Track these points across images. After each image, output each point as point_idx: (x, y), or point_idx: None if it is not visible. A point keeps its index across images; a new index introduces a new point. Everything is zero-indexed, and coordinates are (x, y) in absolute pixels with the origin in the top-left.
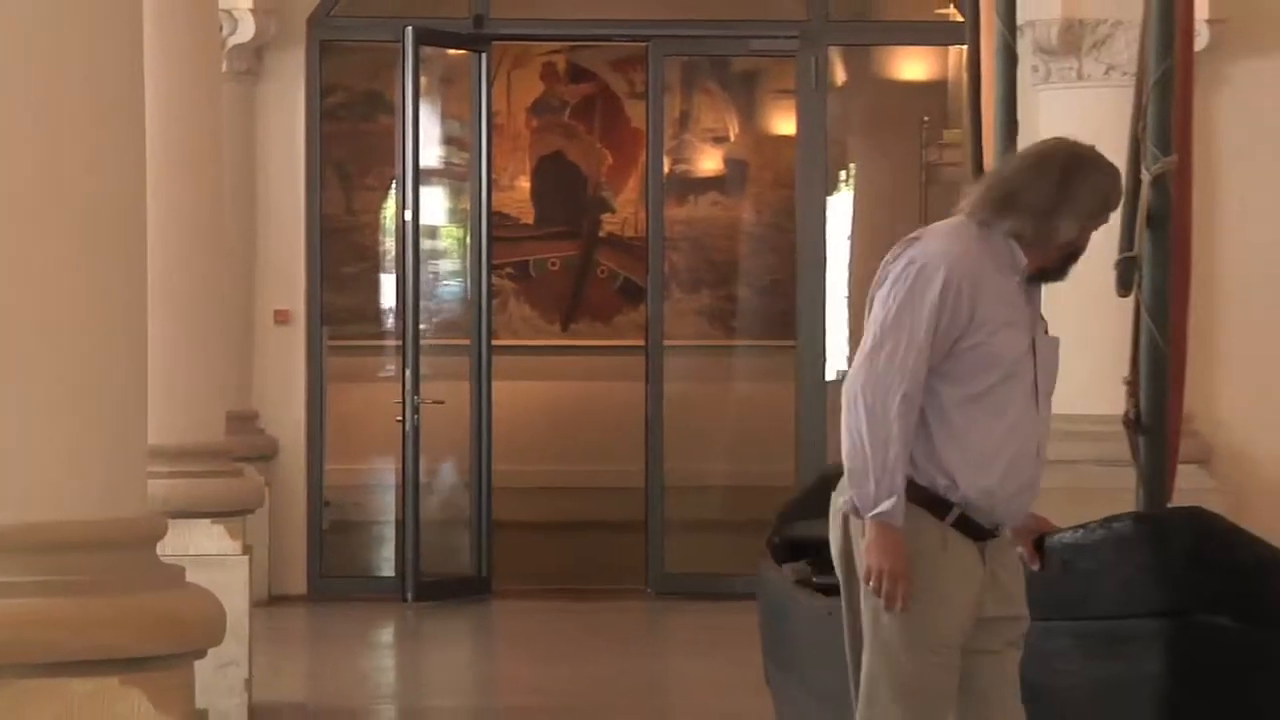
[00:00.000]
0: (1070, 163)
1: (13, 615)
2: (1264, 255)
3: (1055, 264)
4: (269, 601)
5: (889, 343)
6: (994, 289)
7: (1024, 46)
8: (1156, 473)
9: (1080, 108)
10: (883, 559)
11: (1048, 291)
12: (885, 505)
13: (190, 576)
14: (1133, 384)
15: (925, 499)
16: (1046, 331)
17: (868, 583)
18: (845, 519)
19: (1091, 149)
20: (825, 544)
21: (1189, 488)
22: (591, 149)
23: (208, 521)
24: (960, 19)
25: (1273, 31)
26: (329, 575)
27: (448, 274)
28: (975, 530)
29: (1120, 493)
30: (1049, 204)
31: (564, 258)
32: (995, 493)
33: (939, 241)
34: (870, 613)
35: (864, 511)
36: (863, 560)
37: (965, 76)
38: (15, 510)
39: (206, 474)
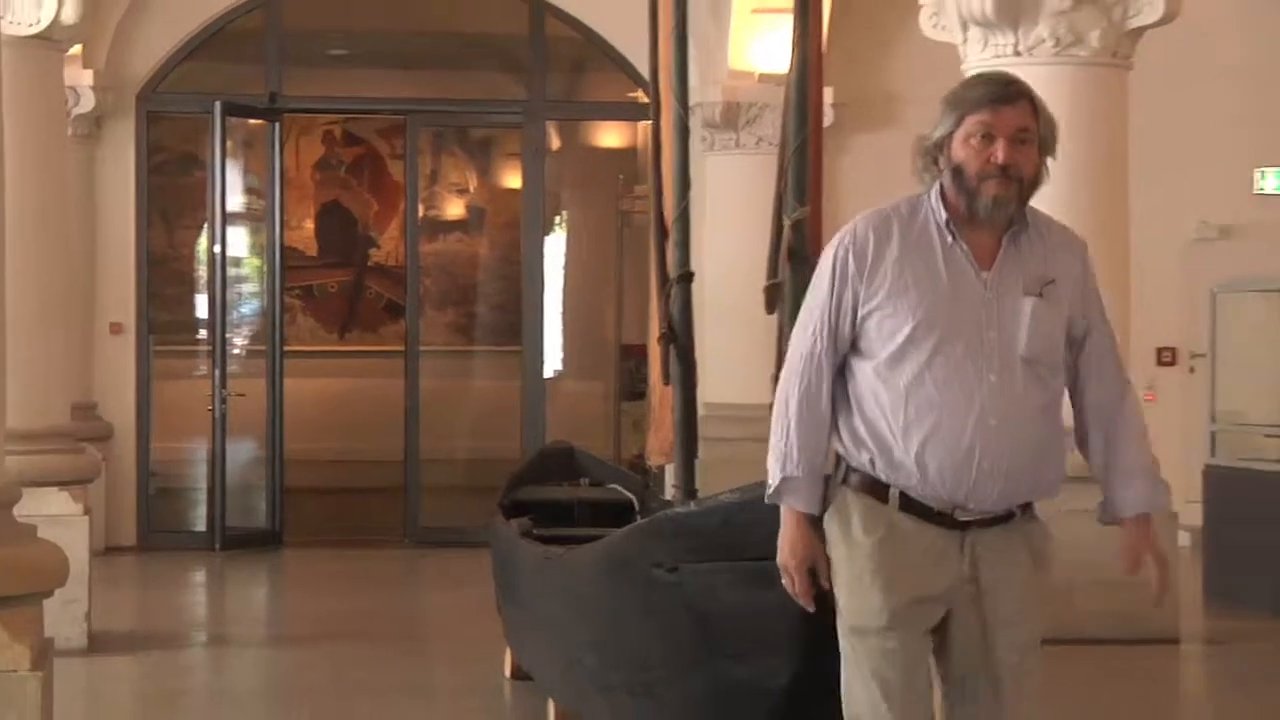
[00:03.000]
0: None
1: None
2: None
3: (975, 187)
4: (105, 552)
5: (796, 331)
6: (899, 250)
7: (695, 122)
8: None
9: (738, 170)
10: (781, 550)
11: None
12: (777, 485)
13: (41, 533)
14: (777, 381)
15: (865, 484)
16: (1040, 295)
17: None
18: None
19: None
20: (543, 504)
21: None
22: (362, 198)
23: (55, 489)
24: (646, 100)
25: (879, 114)
26: (154, 530)
27: (249, 294)
28: (930, 514)
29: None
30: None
31: (340, 282)
32: (913, 466)
33: (856, 217)
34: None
35: (765, 494)
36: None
37: (650, 145)
38: None
39: (54, 451)
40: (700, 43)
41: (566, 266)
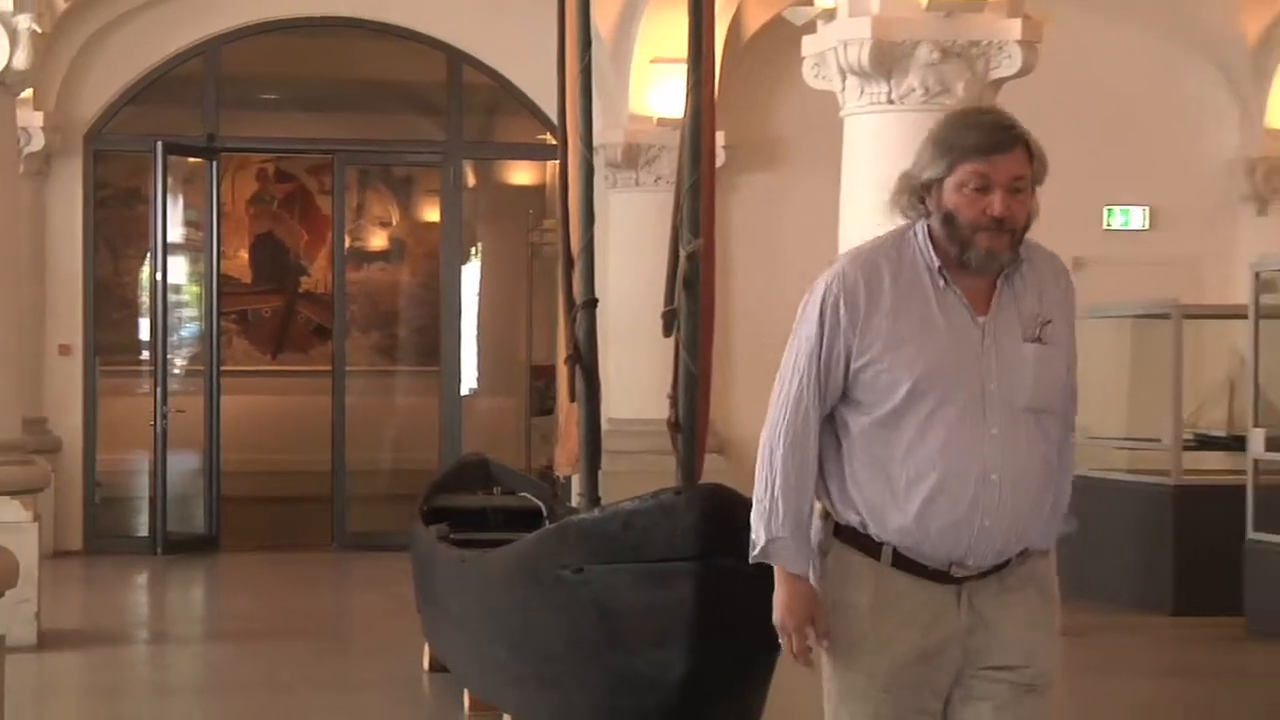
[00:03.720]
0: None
1: None
2: (760, 309)
3: (969, 238)
4: (54, 556)
5: (780, 379)
6: (892, 299)
7: (598, 162)
8: (689, 460)
9: (638, 206)
10: (776, 610)
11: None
12: (763, 546)
13: None
14: (674, 398)
15: (855, 538)
16: (1040, 339)
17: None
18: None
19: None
20: (459, 511)
21: (711, 470)
22: (293, 230)
23: (7, 497)
24: (554, 142)
25: (765, 156)
26: (99, 536)
27: (188, 318)
28: (924, 570)
29: (667, 474)
30: (919, 159)
31: (273, 307)
32: (910, 527)
33: (838, 262)
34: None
35: (750, 552)
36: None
37: (557, 182)
38: None
39: (6, 463)
40: (603, 89)
41: (481, 293)
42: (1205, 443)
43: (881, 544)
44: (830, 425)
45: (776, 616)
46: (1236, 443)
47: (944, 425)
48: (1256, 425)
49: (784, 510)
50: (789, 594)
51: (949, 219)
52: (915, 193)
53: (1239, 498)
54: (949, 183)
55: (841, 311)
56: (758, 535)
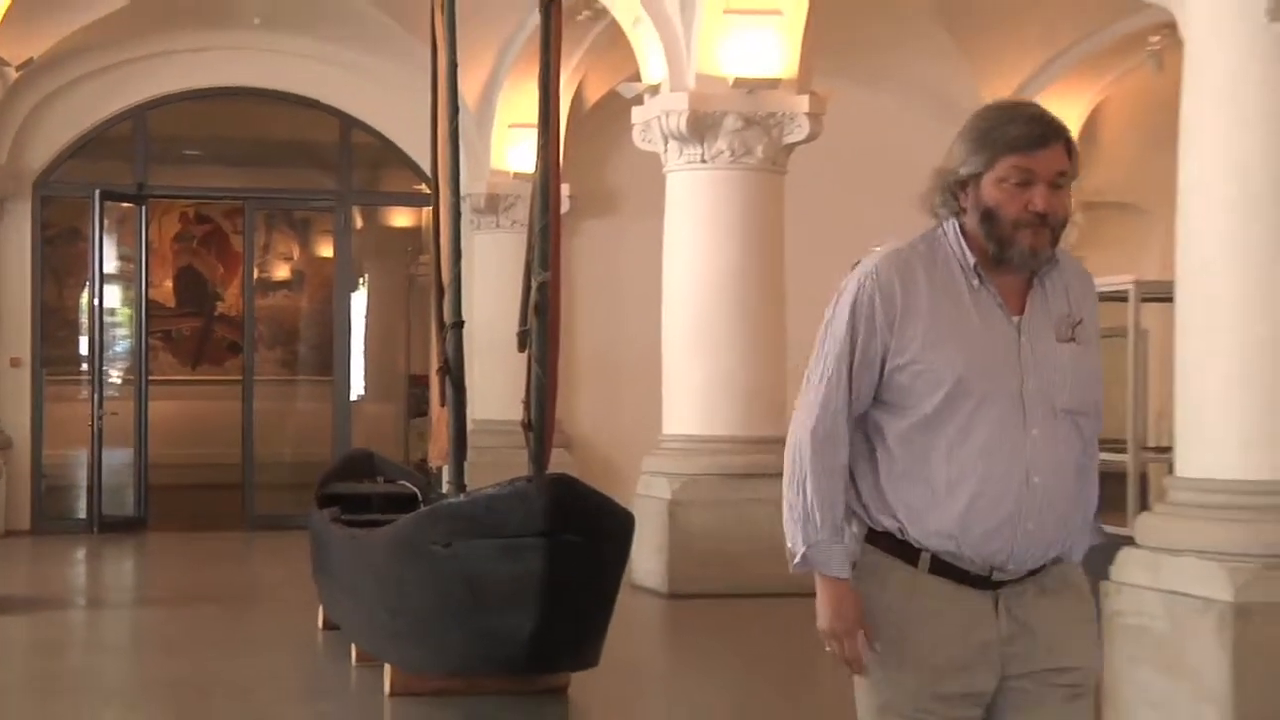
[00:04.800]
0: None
1: None
2: (599, 330)
3: (1010, 235)
4: (5, 535)
5: (809, 379)
6: (929, 298)
7: (465, 208)
8: (539, 454)
9: (498, 245)
10: (823, 618)
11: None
12: (803, 553)
13: None
14: (526, 403)
15: (891, 545)
16: (1073, 339)
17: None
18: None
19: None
20: (348, 497)
21: (557, 462)
22: (211, 263)
23: None
24: (428, 191)
25: (603, 205)
26: (45, 518)
27: (120, 336)
28: (964, 576)
29: (520, 466)
30: (954, 154)
31: (192, 327)
32: (954, 531)
33: (868, 260)
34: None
35: (790, 561)
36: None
37: (431, 225)
38: None
39: None
40: (469, 148)
41: (367, 316)
42: None
43: (919, 550)
44: (860, 429)
45: (824, 623)
46: None
47: (985, 426)
48: None
49: (820, 514)
50: (835, 598)
51: (989, 215)
52: (950, 189)
53: None
54: (989, 177)
55: (877, 310)
56: (795, 543)
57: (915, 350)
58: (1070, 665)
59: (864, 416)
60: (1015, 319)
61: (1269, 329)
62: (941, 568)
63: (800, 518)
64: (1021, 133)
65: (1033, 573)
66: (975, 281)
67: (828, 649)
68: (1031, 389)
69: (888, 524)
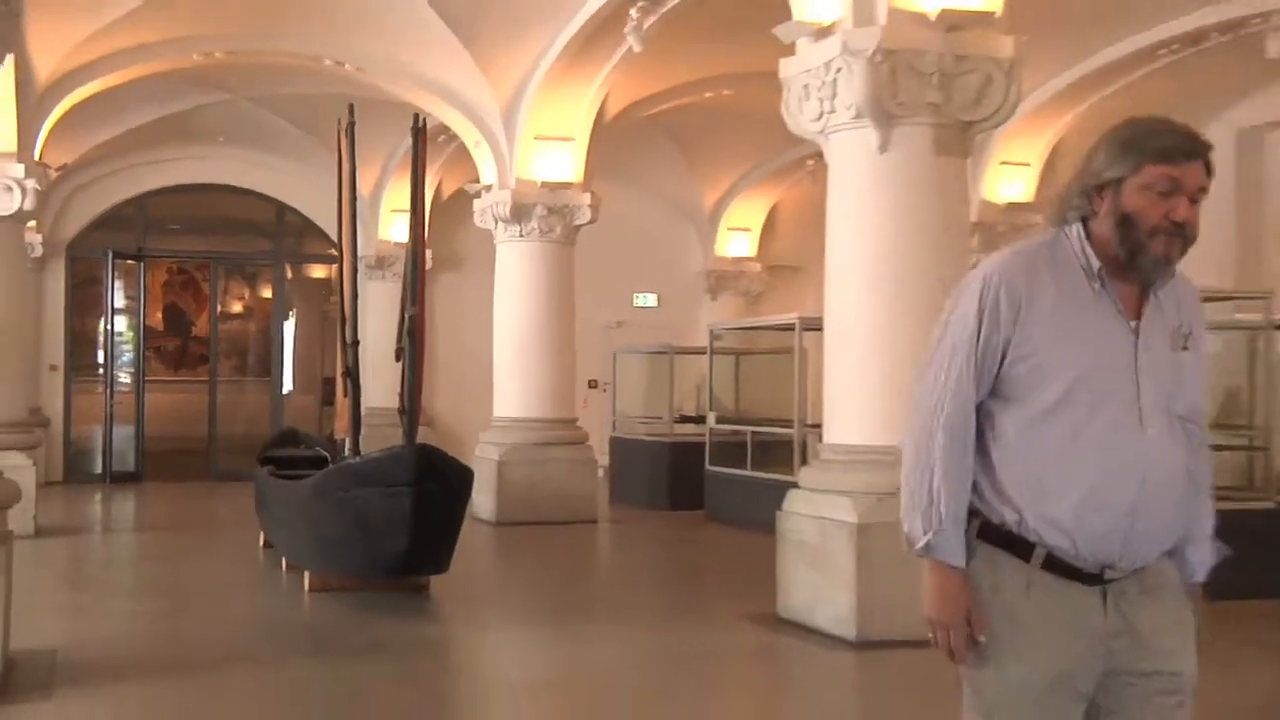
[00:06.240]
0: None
1: None
2: (450, 347)
3: (1144, 242)
4: (45, 484)
5: (933, 366)
6: (1052, 297)
7: (362, 265)
8: (411, 429)
9: (387, 292)
10: (932, 606)
11: None
12: (927, 539)
13: (7, 475)
14: (401, 394)
15: (1003, 539)
16: (1187, 347)
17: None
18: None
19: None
20: (282, 459)
21: (422, 434)
22: (188, 301)
23: (16, 451)
24: (337, 253)
25: (454, 263)
26: (73, 472)
27: (126, 350)
28: (1075, 573)
29: (397, 437)
30: (1095, 160)
31: (175, 345)
32: (1070, 527)
33: (994, 257)
34: (962, 668)
35: (911, 547)
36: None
37: (338, 277)
38: None
39: (15, 430)
40: (364, 224)
41: (295, 337)
42: (685, 419)
43: (1034, 545)
44: (977, 419)
45: (931, 611)
46: (701, 419)
47: (1102, 425)
48: (710, 410)
49: (945, 503)
50: (946, 587)
51: (1125, 220)
52: (1087, 193)
53: (702, 448)
54: (1133, 183)
55: (1003, 304)
56: (915, 531)
57: (1037, 344)
58: (1171, 670)
59: (979, 408)
60: (1133, 324)
61: (879, 356)
62: (1054, 564)
63: (923, 505)
64: (1172, 144)
65: (1135, 570)
66: (1097, 285)
67: (931, 637)
68: (1148, 392)
69: (1007, 516)
